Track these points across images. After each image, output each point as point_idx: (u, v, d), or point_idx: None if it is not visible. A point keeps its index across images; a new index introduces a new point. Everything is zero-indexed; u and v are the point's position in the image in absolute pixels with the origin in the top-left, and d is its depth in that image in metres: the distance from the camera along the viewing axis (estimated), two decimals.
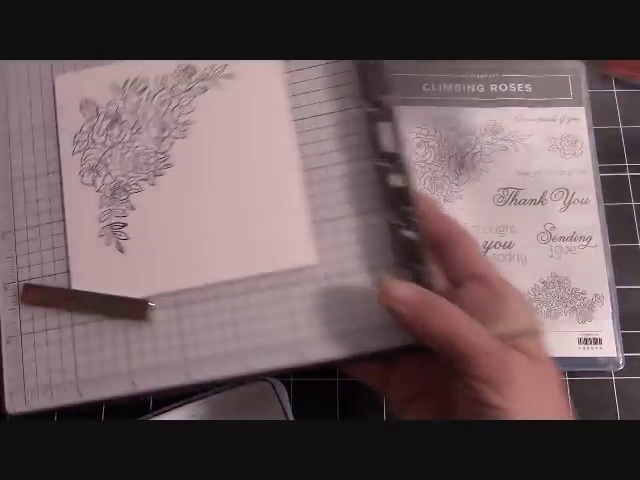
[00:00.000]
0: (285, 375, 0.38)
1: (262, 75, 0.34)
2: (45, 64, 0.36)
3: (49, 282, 0.33)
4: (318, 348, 0.30)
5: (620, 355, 0.40)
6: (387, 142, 0.31)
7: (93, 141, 0.35)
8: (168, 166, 0.34)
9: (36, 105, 0.36)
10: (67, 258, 0.33)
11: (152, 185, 0.34)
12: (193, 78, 0.35)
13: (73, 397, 0.32)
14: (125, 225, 0.33)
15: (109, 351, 0.32)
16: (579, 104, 0.45)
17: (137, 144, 0.34)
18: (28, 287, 0.33)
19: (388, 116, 0.31)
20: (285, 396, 0.38)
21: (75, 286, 0.33)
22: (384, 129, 0.31)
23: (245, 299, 0.32)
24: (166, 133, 0.34)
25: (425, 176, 0.44)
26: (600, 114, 0.46)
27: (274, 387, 0.36)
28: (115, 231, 0.33)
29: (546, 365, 0.27)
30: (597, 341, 0.40)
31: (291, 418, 0.37)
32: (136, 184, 0.34)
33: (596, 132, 0.45)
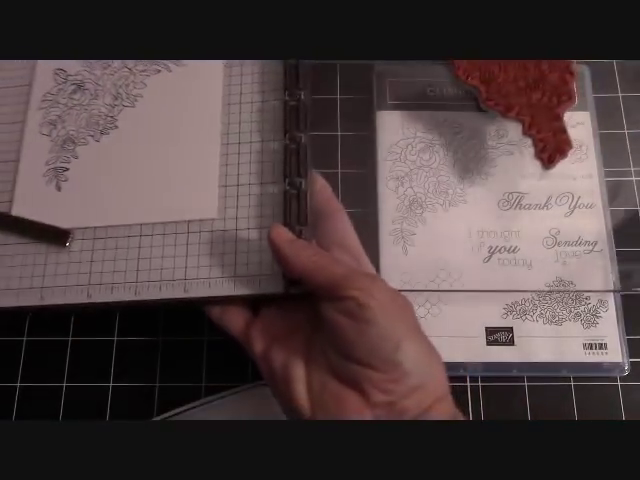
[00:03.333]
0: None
1: (206, 65, 0.41)
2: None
3: None
4: (200, 287, 0.35)
5: (626, 360, 0.40)
6: (297, 127, 0.37)
7: (57, 101, 0.41)
8: (114, 128, 0.40)
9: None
10: (14, 190, 0.39)
11: (97, 141, 0.40)
12: (150, 62, 0.42)
13: None
14: (67, 170, 0.39)
15: (29, 269, 0.37)
16: (584, 109, 0.45)
17: (92, 107, 0.41)
18: None
19: (301, 108, 0.37)
20: None
21: (15, 213, 0.38)
22: (295, 117, 0.37)
23: (150, 240, 0.37)
24: (118, 102, 0.41)
25: (429, 180, 0.44)
26: (605, 118, 0.45)
27: None
28: (58, 174, 0.39)
29: (400, 296, 0.30)
30: (602, 346, 0.40)
31: None
32: (84, 138, 0.40)
33: (601, 136, 0.45)
